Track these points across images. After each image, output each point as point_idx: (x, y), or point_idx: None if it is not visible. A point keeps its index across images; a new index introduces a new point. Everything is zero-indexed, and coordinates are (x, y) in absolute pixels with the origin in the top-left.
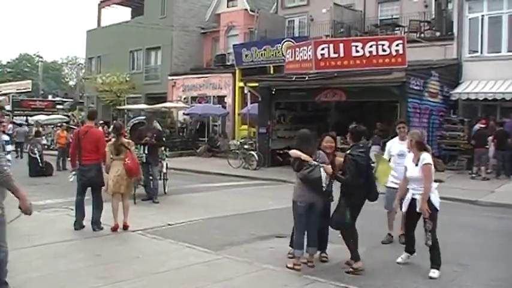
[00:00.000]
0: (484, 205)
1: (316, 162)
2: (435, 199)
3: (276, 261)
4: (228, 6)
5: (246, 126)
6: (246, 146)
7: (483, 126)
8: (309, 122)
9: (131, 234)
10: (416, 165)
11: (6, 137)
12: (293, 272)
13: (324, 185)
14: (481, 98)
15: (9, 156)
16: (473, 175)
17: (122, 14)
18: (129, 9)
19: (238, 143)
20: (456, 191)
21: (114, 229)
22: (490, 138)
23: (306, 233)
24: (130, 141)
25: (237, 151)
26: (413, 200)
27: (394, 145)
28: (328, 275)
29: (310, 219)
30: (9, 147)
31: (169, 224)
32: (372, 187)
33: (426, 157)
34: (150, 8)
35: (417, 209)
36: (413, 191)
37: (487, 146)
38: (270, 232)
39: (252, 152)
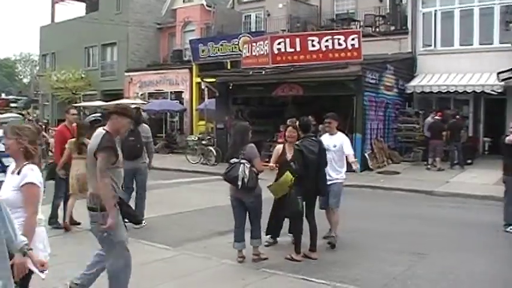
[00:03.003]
0: (440, 195)
1: (236, 160)
2: (40, 244)
3: (235, 256)
4: (184, 2)
5: (203, 122)
6: (204, 142)
7: (438, 118)
8: (267, 117)
9: (89, 233)
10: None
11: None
12: (251, 266)
13: (239, 182)
14: (435, 91)
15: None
16: (429, 166)
17: (76, 9)
18: (83, 5)
19: (196, 138)
20: (412, 182)
21: (66, 228)
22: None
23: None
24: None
25: (195, 147)
26: None
27: (324, 139)
28: (286, 267)
29: (249, 214)
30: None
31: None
32: (321, 182)
33: (33, 171)
34: (105, 4)
35: None
36: None
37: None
38: (228, 227)
39: (210, 148)
